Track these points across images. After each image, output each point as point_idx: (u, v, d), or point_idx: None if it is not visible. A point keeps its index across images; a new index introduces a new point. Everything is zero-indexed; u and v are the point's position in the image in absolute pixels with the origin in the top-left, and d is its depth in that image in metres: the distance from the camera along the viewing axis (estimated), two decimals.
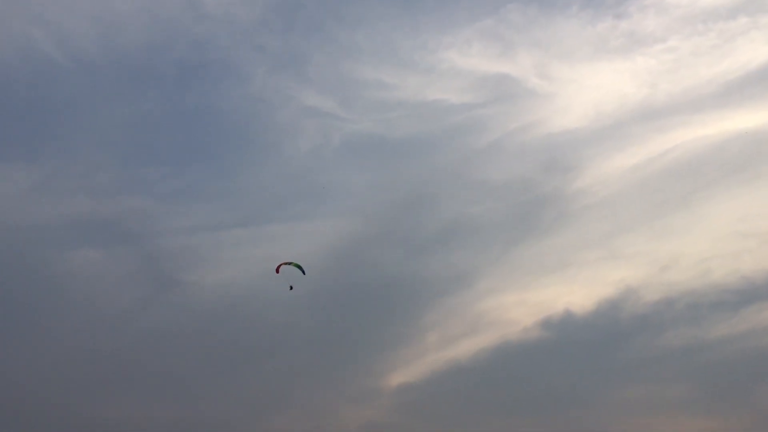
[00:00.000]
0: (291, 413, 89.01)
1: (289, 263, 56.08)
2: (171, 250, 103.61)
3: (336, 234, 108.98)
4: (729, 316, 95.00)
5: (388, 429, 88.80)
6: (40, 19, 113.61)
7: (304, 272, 56.16)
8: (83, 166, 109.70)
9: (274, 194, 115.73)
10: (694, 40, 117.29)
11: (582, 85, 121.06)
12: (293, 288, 58.50)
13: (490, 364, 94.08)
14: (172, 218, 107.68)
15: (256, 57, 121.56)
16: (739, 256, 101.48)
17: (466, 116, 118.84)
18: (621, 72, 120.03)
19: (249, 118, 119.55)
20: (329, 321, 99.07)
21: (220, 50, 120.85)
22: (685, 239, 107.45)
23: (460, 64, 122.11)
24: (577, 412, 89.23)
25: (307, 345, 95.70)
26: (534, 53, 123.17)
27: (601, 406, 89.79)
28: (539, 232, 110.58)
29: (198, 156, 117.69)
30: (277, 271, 57.23)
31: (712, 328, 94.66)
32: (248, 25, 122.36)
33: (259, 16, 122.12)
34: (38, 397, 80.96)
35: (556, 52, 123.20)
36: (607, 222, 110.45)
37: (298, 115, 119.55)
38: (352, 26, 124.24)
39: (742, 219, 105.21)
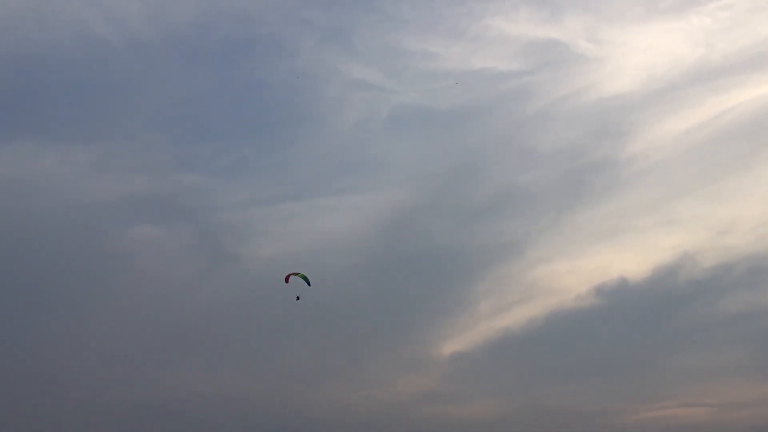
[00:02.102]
0: (345, 382, 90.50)
1: (296, 274, 56.85)
2: (225, 225, 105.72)
3: (386, 205, 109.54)
4: None
5: (441, 397, 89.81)
6: (92, 1, 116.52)
7: (309, 284, 56.97)
8: (139, 144, 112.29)
9: (324, 167, 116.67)
10: None
11: (633, 48, 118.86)
12: (299, 299, 59.64)
13: (542, 332, 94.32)
14: (225, 193, 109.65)
15: (302, 31, 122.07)
16: None
17: (514, 84, 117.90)
18: (674, 32, 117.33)
19: (297, 93, 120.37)
20: (382, 291, 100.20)
21: (268, 25, 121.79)
22: (742, 203, 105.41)
23: (507, 31, 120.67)
24: (633, 379, 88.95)
25: (360, 315, 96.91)
26: (582, 16, 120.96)
27: (656, 373, 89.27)
28: (591, 198, 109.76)
29: (249, 131, 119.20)
30: (287, 280, 58.25)
31: None
32: (294, 0, 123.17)
33: None
34: (101, 367, 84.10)
35: (605, 15, 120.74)
36: (662, 187, 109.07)
37: (345, 88, 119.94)
38: None
39: None
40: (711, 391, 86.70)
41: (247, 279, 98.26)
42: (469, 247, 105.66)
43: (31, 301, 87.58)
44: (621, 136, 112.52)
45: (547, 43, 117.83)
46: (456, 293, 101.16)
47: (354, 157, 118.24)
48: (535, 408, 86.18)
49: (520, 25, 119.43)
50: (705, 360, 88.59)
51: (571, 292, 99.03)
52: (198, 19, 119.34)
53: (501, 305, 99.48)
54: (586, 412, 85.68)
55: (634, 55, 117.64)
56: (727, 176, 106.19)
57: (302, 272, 55.61)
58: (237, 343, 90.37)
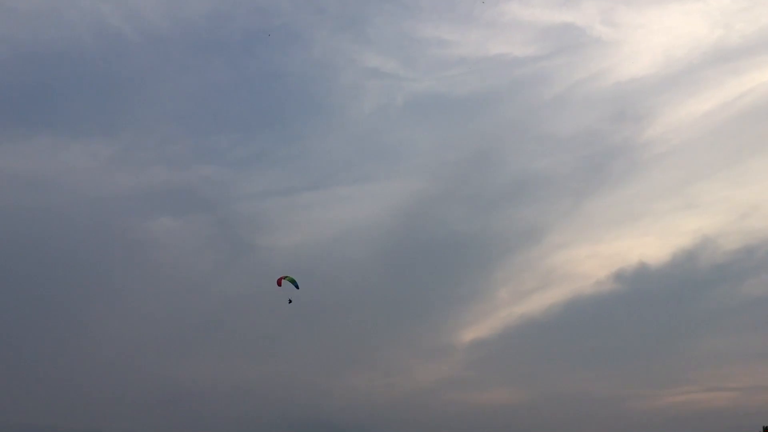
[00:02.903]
0: (366, 371, 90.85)
1: (286, 277, 57.37)
2: (244, 216, 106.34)
3: (403, 193, 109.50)
4: None
5: (461, 384, 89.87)
6: None
7: (297, 287, 57.51)
8: (157, 137, 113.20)
9: (341, 156, 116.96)
10: None
11: (650, 30, 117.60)
12: (291, 302, 60.22)
13: (562, 318, 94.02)
14: (244, 184, 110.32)
15: (317, 21, 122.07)
16: None
17: (530, 69, 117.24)
18: (692, 13, 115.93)
19: (313, 82, 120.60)
20: (401, 280, 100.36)
21: (282, 16, 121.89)
22: (764, 184, 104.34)
23: (522, 16, 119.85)
24: (655, 364, 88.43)
25: (379, 304, 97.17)
26: (598, 0, 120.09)
27: (679, 357, 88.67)
28: (610, 183, 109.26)
29: (265, 122, 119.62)
30: (279, 283, 58.91)
31: None
32: None
33: None
34: (123, 355, 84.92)
35: None
36: (682, 170, 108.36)
37: (360, 76, 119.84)
38: None
39: None
40: (734, 375, 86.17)
41: (266, 269, 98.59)
42: (486, 234, 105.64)
43: (54, 292, 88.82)
44: (639, 119, 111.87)
45: (562, 27, 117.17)
46: (474, 281, 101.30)
47: (371, 146, 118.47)
48: (555, 394, 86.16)
49: (536, 10, 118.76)
50: (728, 344, 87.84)
51: (590, 277, 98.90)
52: (213, 12, 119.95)
53: (520, 292, 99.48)
54: (607, 398, 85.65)
55: (652, 38, 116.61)
56: (748, 158, 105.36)
57: (291, 276, 55.99)
58: (257, 332, 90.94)
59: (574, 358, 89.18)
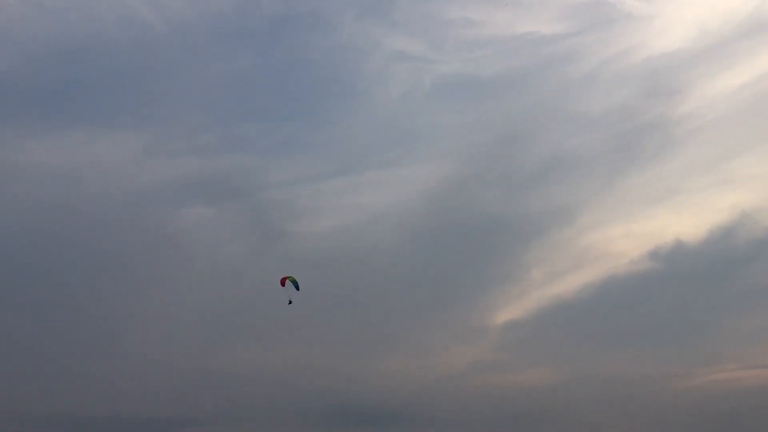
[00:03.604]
0: (400, 354, 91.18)
1: (288, 278, 57.33)
2: (275, 203, 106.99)
3: (433, 176, 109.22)
4: None
5: (496, 366, 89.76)
6: None
7: (298, 288, 57.51)
8: (187, 127, 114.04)
9: (370, 141, 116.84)
10: None
11: (682, 3, 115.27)
12: (291, 303, 60.29)
13: (596, 298, 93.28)
14: (273, 172, 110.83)
15: (342, 5, 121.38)
16: None
17: (559, 47, 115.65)
18: None
19: (340, 68, 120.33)
20: (433, 263, 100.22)
21: (308, 2, 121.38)
22: None
23: None
24: (692, 343, 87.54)
25: (412, 287, 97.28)
26: None
27: (717, 336, 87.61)
28: (644, 160, 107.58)
29: (293, 109, 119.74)
30: (282, 284, 59.10)
31: None
32: None
33: None
34: (158, 346, 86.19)
35: None
36: (717, 145, 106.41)
37: (387, 60, 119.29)
38: None
39: None
40: None
41: (299, 255, 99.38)
42: (519, 215, 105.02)
43: (89, 283, 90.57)
44: (673, 95, 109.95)
45: (592, 3, 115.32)
46: (507, 262, 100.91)
47: (400, 130, 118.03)
48: (591, 375, 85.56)
49: None
50: (767, 321, 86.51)
51: (625, 257, 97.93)
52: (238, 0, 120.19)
53: (553, 272, 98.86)
54: (643, 378, 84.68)
55: (685, 10, 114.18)
56: None
57: (293, 276, 56.18)
58: (291, 318, 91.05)
59: (609, 339, 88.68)
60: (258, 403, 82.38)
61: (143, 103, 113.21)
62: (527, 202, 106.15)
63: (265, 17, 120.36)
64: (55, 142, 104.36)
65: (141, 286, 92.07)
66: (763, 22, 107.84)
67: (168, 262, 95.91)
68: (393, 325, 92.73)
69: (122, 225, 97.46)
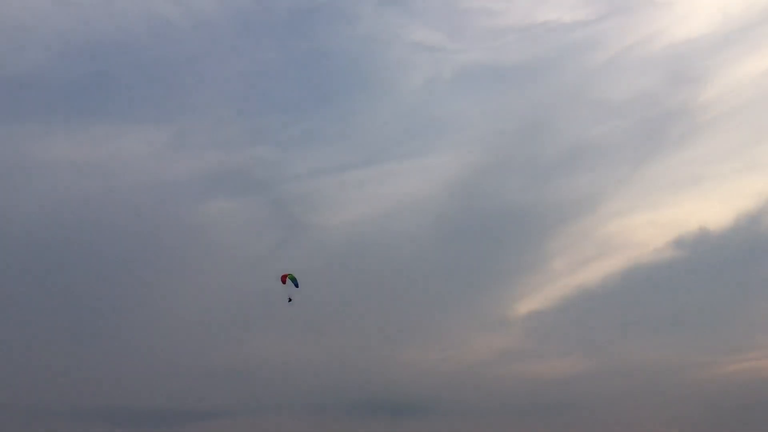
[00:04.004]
0: (423, 345, 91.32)
1: (288, 275, 57.37)
2: (297, 195, 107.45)
3: (455, 166, 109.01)
4: None
5: (519, 356, 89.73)
6: None
7: (297, 285, 57.53)
8: (209, 121, 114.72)
9: (391, 132, 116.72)
10: None
11: None
12: (291, 300, 60.20)
13: (620, 287, 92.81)
14: (295, 164, 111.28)
15: None
16: None
17: (580, 34, 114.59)
18: None
19: (360, 59, 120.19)
20: (456, 253, 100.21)
21: None
22: None
23: None
24: (718, 331, 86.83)
25: (435, 277, 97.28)
26: None
27: (743, 324, 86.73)
28: (668, 147, 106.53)
29: (314, 100, 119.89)
30: (283, 281, 59.12)
31: None
32: None
33: None
34: (185, 339, 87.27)
35: None
36: (742, 131, 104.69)
37: (407, 50, 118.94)
38: None
39: None
40: None
41: (322, 247, 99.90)
42: (541, 204, 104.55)
43: (115, 277, 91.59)
44: (697, 80, 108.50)
45: None
46: (530, 251, 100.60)
47: (421, 120, 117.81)
48: (615, 364, 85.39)
49: None
50: None
51: (649, 245, 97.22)
52: None
53: (576, 262, 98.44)
54: (669, 367, 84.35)
55: None
56: None
57: (293, 273, 56.41)
58: (314, 310, 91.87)
59: (633, 328, 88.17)
60: (281, 396, 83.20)
61: (166, 97, 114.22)
62: (550, 191, 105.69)
63: (286, 10, 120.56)
64: (80, 136, 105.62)
65: (164, 279, 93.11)
66: None
67: (191, 255, 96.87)
68: (415, 316, 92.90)
69: (145, 218, 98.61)
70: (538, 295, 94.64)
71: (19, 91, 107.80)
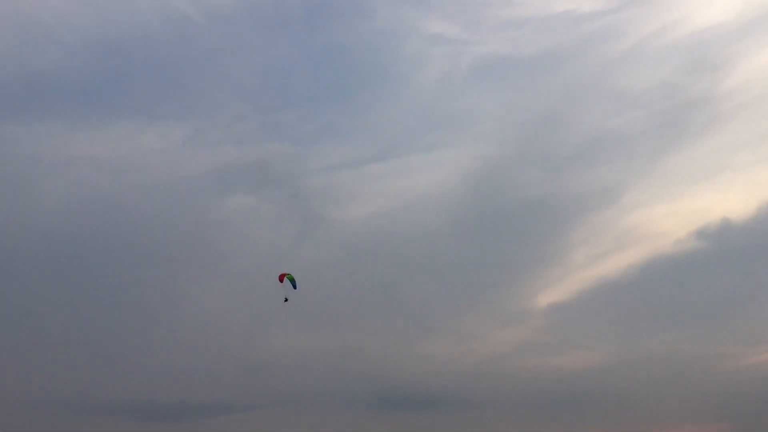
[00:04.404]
0: (443, 338, 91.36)
1: (287, 275, 57.20)
2: (315, 189, 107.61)
3: (474, 159, 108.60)
4: None
5: (540, 349, 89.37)
6: None
7: (295, 286, 57.33)
8: (228, 116, 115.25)
9: (408, 126, 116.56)
10: None
11: None
12: (287, 300, 60.01)
13: (641, 279, 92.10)
14: (313, 158, 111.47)
15: None
16: None
17: (598, 24, 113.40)
18: None
19: (376, 53, 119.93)
20: (474, 246, 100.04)
21: None
22: None
23: None
24: (739, 323, 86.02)
25: (454, 271, 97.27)
26: None
27: (764, 316, 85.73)
28: (689, 137, 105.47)
29: (331, 95, 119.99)
30: (281, 280, 59.03)
31: None
32: None
33: None
34: (206, 334, 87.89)
35: None
36: (765, 120, 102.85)
37: (423, 43, 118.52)
38: None
39: None
40: None
41: (340, 241, 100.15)
42: (560, 196, 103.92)
43: (136, 274, 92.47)
44: (717, 69, 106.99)
45: None
46: (549, 244, 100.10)
47: (438, 113, 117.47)
48: (636, 357, 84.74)
49: None
50: None
51: (670, 236, 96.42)
52: None
53: (596, 254, 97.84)
54: (691, 359, 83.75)
55: None
56: None
57: (292, 274, 56.32)
58: (335, 303, 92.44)
59: (654, 320, 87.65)
60: (300, 389, 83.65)
61: (183, 93, 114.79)
62: (569, 183, 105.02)
63: (302, 5, 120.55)
64: (99, 134, 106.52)
65: (184, 275, 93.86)
66: None
67: (210, 250, 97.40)
68: (435, 309, 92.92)
69: (165, 215, 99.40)
70: (558, 288, 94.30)
71: (39, 90, 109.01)
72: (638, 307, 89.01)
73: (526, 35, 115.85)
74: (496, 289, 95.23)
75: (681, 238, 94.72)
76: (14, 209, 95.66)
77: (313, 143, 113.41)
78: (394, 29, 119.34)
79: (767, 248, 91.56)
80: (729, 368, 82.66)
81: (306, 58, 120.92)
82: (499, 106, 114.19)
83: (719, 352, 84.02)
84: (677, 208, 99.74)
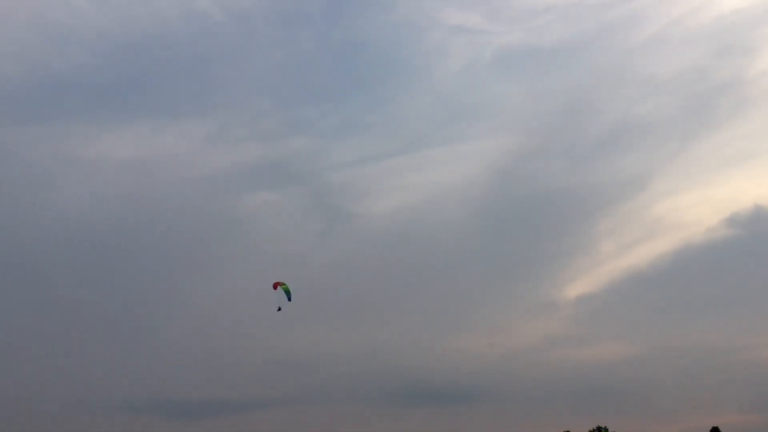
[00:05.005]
0: (471, 331, 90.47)
1: (282, 285, 56.55)
2: (338, 185, 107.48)
3: (497, 151, 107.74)
4: None
5: (569, 340, 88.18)
6: None
7: (290, 299, 56.70)
8: (249, 113, 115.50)
9: (430, 118, 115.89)
10: None
11: None
12: (281, 309, 59.30)
13: (671, 268, 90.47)
14: (335, 154, 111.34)
15: None
16: None
17: (622, 10, 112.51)
18: None
19: (396, 46, 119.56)
20: (499, 238, 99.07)
21: None
22: None
23: None
24: None
25: (480, 264, 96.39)
26: None
27: None
28: (718, 123, 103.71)
29: (352, 89, 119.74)
30: (275, 288, 58.59)
31: None
32: None
33: None
34: (233, 330, 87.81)
35: None
36: None
37: (445, 35, 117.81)
38: None
39: None
40: None
41: (365, 236, 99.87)
42: (586, 186, 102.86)
43: (163, 271, 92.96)
44: (746, 53, 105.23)
45: None
46: (576, 235, 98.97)
47: (460, 105, 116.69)
48: (667, 347, 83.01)
49: None
50: None
51: (700, 224, 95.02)
52: None
53: (625, 243, 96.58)
54: (722, 348, 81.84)
55: None
56: None
57: (287, 284, 55.80)
58: (360, 298, 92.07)
59: (685, 309, 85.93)
60: (326, 385, 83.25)
61: (205, 92, 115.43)
62: (595, 172, 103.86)
63: (321, 1, 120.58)
64: (123, 134, 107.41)
65: (209, 272, 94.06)
66: None
67: (235, 247, 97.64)
68: (462, 303, 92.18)
69: (189, 213, 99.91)
70: (587, 279, 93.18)
71: (64, 92, 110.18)
72: (669, 298, 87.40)
73: (548, 24, 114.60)
74: (523, 281, 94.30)
75: (712, 226, 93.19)
76: (41, 209, 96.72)
77: (335, 138, 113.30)
78: (415, 21, 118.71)
79: None
80: (763, 359, 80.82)
81: (326, 52, 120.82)
82: (522, 96, 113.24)
83: (753, 343, 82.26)
84: (708, 195, 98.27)
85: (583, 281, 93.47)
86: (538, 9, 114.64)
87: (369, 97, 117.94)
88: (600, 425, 65.66)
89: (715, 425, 65.51)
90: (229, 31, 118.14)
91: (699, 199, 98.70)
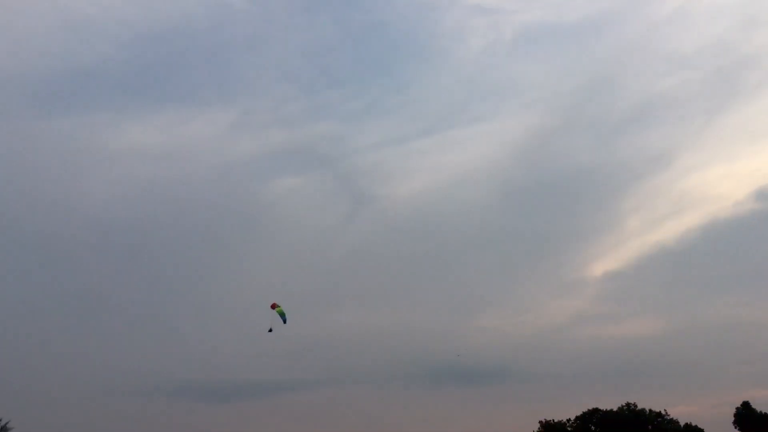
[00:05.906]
0: (497, 311, 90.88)
1: (277, 308, 57.13)
2: (362, 168, 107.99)
3: (520, 129, 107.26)
4: None
5: (596, 318, 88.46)
6: None
7: (285, 321, 57.33)
8: (272, 99, 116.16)
9: (452, 99, 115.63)
10: None
11: None
12: (272, 330, 59.90)
13: (699, 244, 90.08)
14: (359, 137, 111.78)
15: None
16: None
17: None
18: None
19: (417, 27, 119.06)
20: (525, 217, 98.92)
21: None
22: None
23: None
24: None
25: (506, 243, 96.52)
26: None
27: None
28: (745, 96, 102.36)
29: (374, 72, 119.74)
30: (273, 307, 59.22)
31: None
32: None
33: None
34: (256, 314, 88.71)
35: None
36: None
37: (465, 15, 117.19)
38: None
39: None
40: None
41: (390, 219, 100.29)
42: (612, 162, 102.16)
43: (188, 256, 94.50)
44: None
45: None
46: (602, 211, 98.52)
47: (482, 85, 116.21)
48: (695, 323, 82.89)
49: None
50: None
51: (728, 198, 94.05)
52: None
53: (652, 219, 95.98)
54: (752, 323, 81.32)
55: None
56: None
57: (282, 307, 56.56)
58: (386, 280, 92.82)
59: (713, 285, 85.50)
60: (358, 366, 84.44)
61: (228, 79, 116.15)
62: (620, 149, 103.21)
63: None
64: (148, 123, 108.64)
65: (236, 257, 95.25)
66: None
67: (261, 232, 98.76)
68: (488, 283, 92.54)
69: (214, 200, 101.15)
70: (614, 256, 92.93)
71: (90, 82, 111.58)
72: (697, 273, 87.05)
73: (569, 0, 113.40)
74: (549, 259, 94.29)
75: (740, 200, 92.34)
76: (69, 199, 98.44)
77: (358, 122, 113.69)
78: (434, 2, 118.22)
79: None
80: None
81: (347, 37, 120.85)
82: (544, 74, 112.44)
83: None
84: (735, 169, 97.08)
85: (609, 258, 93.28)
86: None
87: (391, 80, 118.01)
88: (629, 401, 65.80)
89: (746, 399, 65.40)
90: (251, 18, 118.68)
91: (725, 173, 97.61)
